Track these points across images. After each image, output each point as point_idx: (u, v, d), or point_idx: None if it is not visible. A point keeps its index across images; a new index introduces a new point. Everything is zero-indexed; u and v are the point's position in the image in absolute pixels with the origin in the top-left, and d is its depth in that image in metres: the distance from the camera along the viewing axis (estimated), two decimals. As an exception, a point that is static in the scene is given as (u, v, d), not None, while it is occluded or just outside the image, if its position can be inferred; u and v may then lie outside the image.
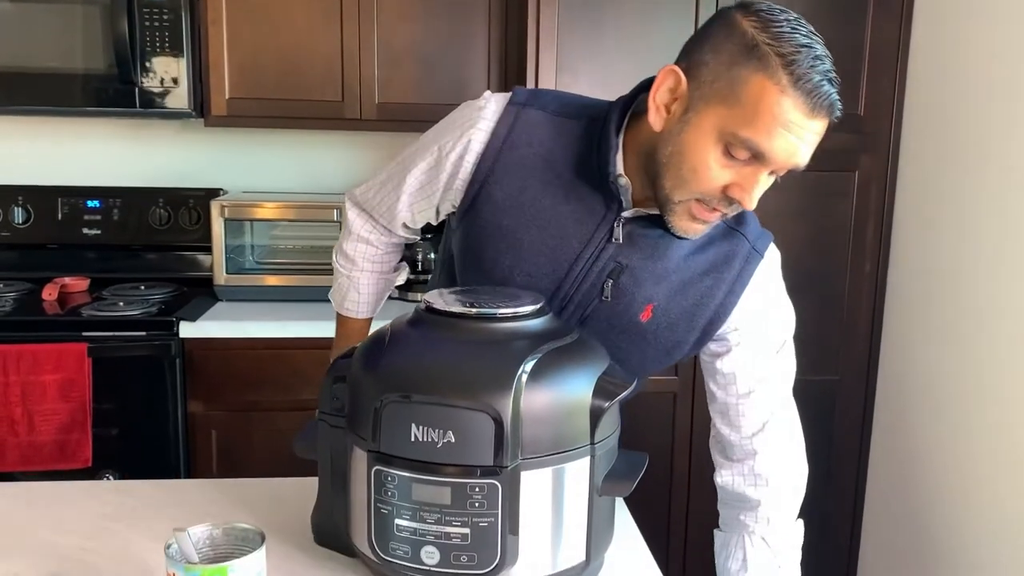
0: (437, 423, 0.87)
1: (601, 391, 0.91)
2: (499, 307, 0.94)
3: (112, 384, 2.09)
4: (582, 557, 0.93)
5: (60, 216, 2.46)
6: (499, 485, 0.87)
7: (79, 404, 2.05)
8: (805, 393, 2.71)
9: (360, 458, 0.92)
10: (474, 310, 0.94)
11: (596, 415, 0.90)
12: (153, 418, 2.12)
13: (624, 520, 1.15)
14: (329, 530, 1.02)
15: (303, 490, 1.15)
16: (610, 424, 0.94)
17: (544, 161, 1.07)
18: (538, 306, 0.96)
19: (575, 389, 0.90)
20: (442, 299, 0.96)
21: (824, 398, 2.35)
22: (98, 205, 2.47)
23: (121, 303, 2.21)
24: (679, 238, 1.05)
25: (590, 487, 0.92)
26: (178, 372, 2.12)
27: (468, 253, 1.13)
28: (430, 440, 0.87)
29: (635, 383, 0.94)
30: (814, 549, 2.55)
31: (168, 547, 0.83)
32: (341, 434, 0.96)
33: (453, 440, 0.87)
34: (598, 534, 0.94)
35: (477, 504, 0.87)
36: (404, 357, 0.93)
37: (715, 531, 1.21)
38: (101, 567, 0.99)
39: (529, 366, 0.88)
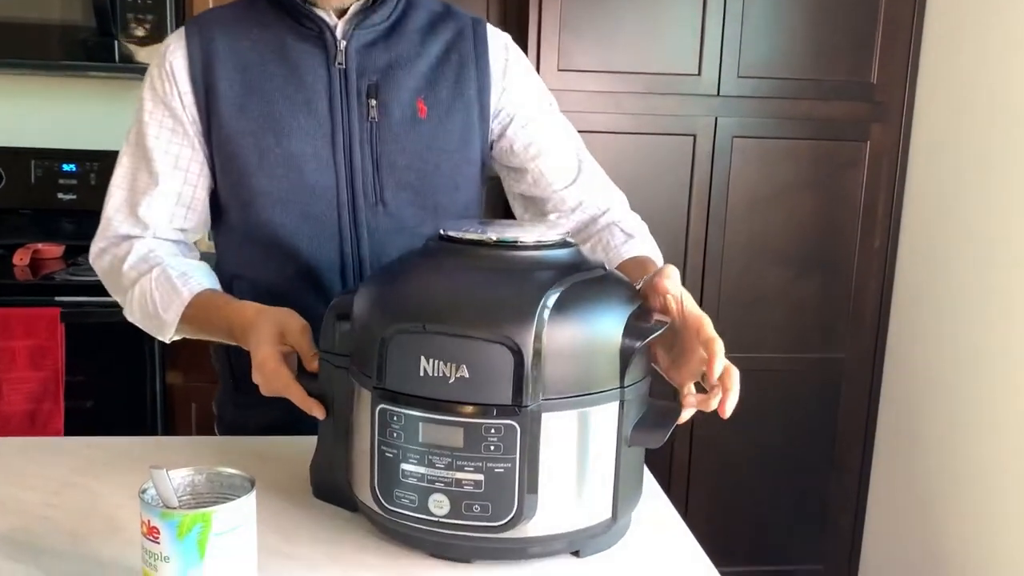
0: (450, 356, 0.77)
1: (632, 330, 0.82)
2: (521, 235, 0.85)
3: (86, 353, 1.98)
4: (608, 514, 0.84)
5: (34, 179, 2.34)
6: (518, 427, 0.77)
7: (51, 373, 1.94)
8: (809, 373, 2.63)
9: (364, 398, 0.82)
10: (494, 236, 0.84)
11: (626, 356, 0.81)
12: (129, 389, 2.01)
13: (647, 478, 1.06)
14: (329, 482, 0.92)
15: (298, 447, 1.05)
16: (641, 368, 0.84)
17: (246, 40, 1.10)
18: (563, 237, 0.87)
19: (604, 326, 0.81)
20: (458, 228, 0.87)
21: (829, 378, 2.28)
22: (74, 169, 2.35)
23: (97, 268, 2.10)
24: (397, 32, 1.12)
25: (618, 436, 0.83)
26: (156, 340, 2.00)
27: (231, 183, 1.11)
28: (442, 375, 0.77)
29: (666, 324, 0.85)
30: (816, 533, 2.50)
31: (143, 491, 0.72)
32: (344, 375, 0.86)
33: (467, 376, 0.77)
34: (626, 489, 0.84)
35: (493, 448, 0.77)
36: (415, 285, 0.83)
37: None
38: (63, 523, 0.88)
39: (554, 297, 0.79)
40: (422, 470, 0.79)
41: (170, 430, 2.05)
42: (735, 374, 0.84)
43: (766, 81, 2.13)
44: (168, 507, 0.71)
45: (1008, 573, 1.84)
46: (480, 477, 0.78)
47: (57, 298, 1.98)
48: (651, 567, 0.85)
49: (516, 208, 1.26)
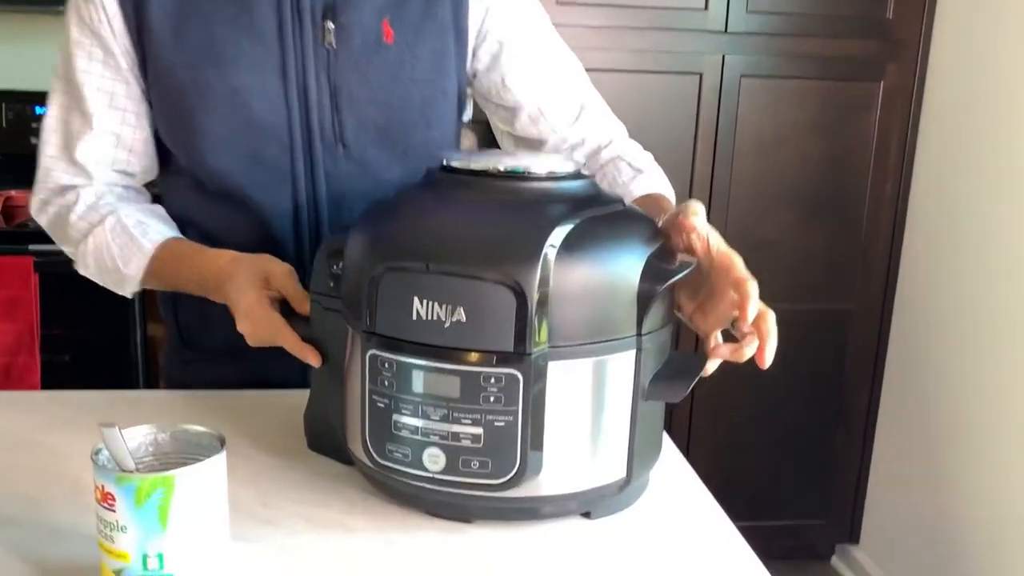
0: (446, 297, 0.69)
1: (652, 272, 0.73)
2: (533, 164, 0.76)
3: (63, 304, 1.89)
4: (621, 474, 0.76)
5: (5, 124, 2.23)
6: (520, 376, 0.69)
7: (26, 325, 1.85)
8: (815, 322, 2.53)
9: (355, 342, 0.74)
10: (501, 166, 0.75)
11: (645, 300, 0.72)
12: (109, 342, 1.92)
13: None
14: (323, 432, 0.84)
15: (278, 401, 0.97)
16: (661, 315, 0.76)
17: None
18: (577, 168, 0.78)
19: (620, 266, 0.72)
20: (462, 157, 0.78)
21: (835, 328, 2.20)
22: (48, 112, 2.24)
23: (72, 215, 2.00)
24: None
25: (634, 389, 0.74)
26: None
27: (171, 123, 0.99)
28: (437, 319, 0.69)
29: (691, 266, 0.76)
30: (821, 484, 2.44)
31: (96, 453, 0.64)
32: (336, 318, 0.78)
33: (465, 319, 0.68)
34: (642, 447, 0.76)
35: (493, 399, 0.69)
36: (409, 219, 0.74)
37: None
38: (20, 486, 0.80)
39: (563, 233, 0.70)
40: (416, 422, 0.71)
41: (153, 384, 1.97)
42: (771, 318, 0.75)
43: (776, 17, 2.02)
44: (124, 470, 0.63)
45: (1016, 526, 1.78)
46: (479, 431, 0.70)
47: (31, 247, 1.88)
48: (669, 530, 0.78)
49: (506, 149, 1.13)
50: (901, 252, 2.18)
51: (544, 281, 0.68)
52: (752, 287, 0.74)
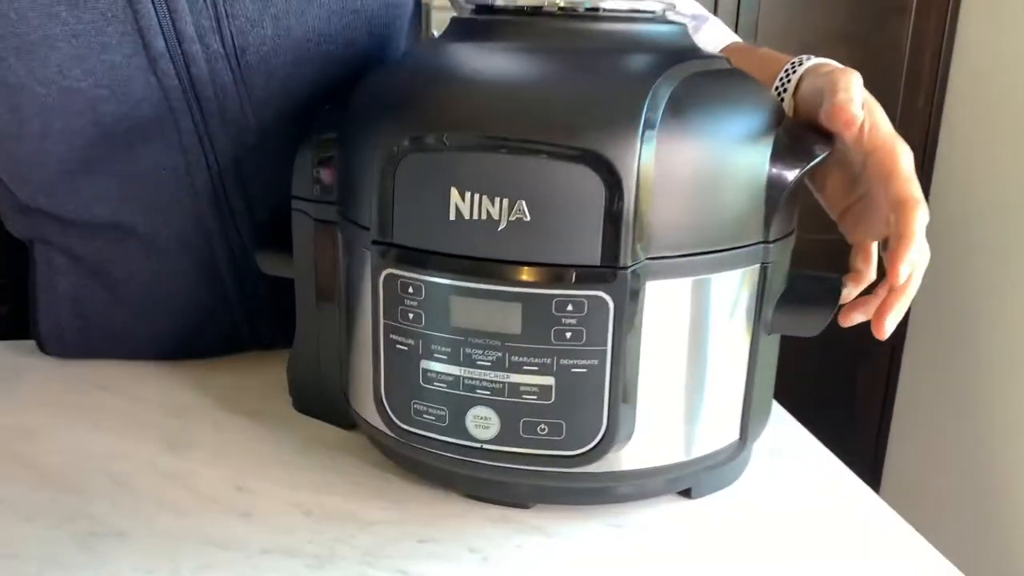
0: (499, 187, 0.47)
1: (785, 151, 0.52)
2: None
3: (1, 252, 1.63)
4: (735, 435, 0.55)
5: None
6: (610, 301, 0.47)
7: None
8: (838, 252, 2.26)
9: (361, 261, 0.52)
10: (562, 1, 0.52)
11: (776, 192, 0.51)
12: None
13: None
14: (314, 389, 0.63)
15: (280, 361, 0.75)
16: (788, 217, 0.54)
17: None
18: (664, 6, 0.55)
19: (745, 141, 0.50)
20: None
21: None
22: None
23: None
24: None
25: (755, 317, 0.53)
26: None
27: None
28: (486, 218, 0.47)
29: (831, 147, 0.54)
30: (841, 428, 2.28)
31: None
32: (331, 231, 0.56)
33: (528, 218, 0.47)
34: (759, 400, 0.56)
35: (570, 335, 0.48)
36: (438, 79, 0.51)
37: None
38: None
39: (667, 91, 0.48)
40: (456, 371, 0.49)
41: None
42: (921, 269, 0.52)
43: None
44: None
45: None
46: (548, 381, 0.49)
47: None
48: (794, 506, 0.57)
49: None
50: (933, 169, 1.99)
51: (644, 159, 0.46)
52: (917, 217, 0.50)
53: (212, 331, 0.73)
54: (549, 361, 0.48)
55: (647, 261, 0.48)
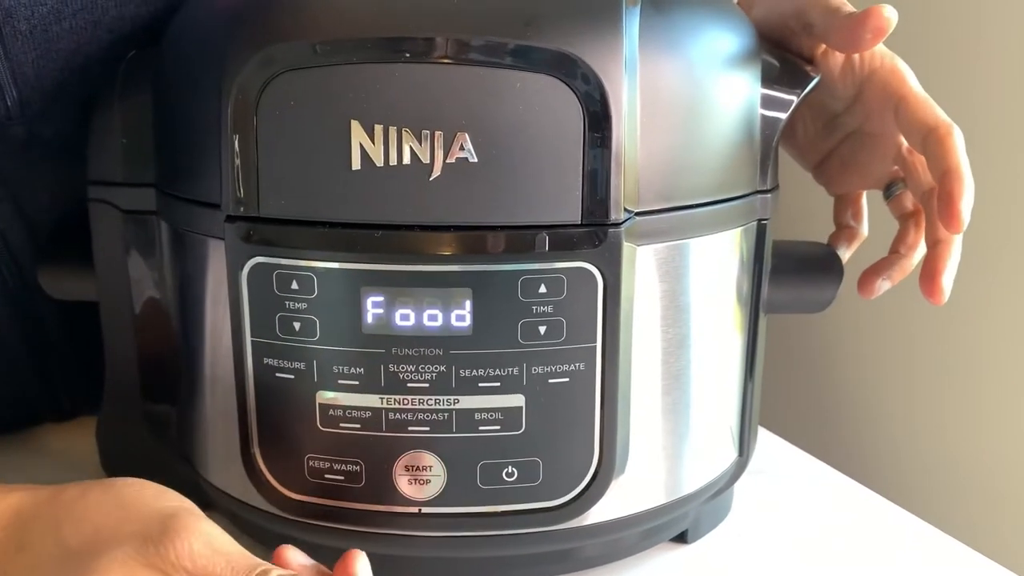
0: (428, 115, 0.31)
1: (777, 73, 0.39)
2: None
3: None
4: (733, 452, 0.42)
5: None
6: (598, 275, 0.33)
7: None
8: None
9: (202, 256, 0.35)
10: None
11: (771, 123, 0.39)
12: None
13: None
14: (135, 447, 0.43)
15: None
16: (777, 160, 0.42)
17: None
18: None
19: (731, 56, 0.37)
20: None
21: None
22: None
23: None
24: None
25: (753, 294, 0.40)
26: None
27: None
28: (409, 162, 0.31)
29: (818, 73, 0.42)
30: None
31: None
32: (149, 224, 0.38)
33: (474, 159, 0.31)
34: (756, 402, 0.43)
35: (545, 330, 0.33)
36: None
37: None
38: None
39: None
40: (374, 401, 0.32)
41: None
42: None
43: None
44: None
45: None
46: (517, 401, 0.33)
47: None
48: (816, 523, 0.45)
49: None
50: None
51: (630, 67, 0.32)
52: (958, 143, 0.38)
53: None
54: (516, 371, 0.33)
55: (636, 217, 0.34)
